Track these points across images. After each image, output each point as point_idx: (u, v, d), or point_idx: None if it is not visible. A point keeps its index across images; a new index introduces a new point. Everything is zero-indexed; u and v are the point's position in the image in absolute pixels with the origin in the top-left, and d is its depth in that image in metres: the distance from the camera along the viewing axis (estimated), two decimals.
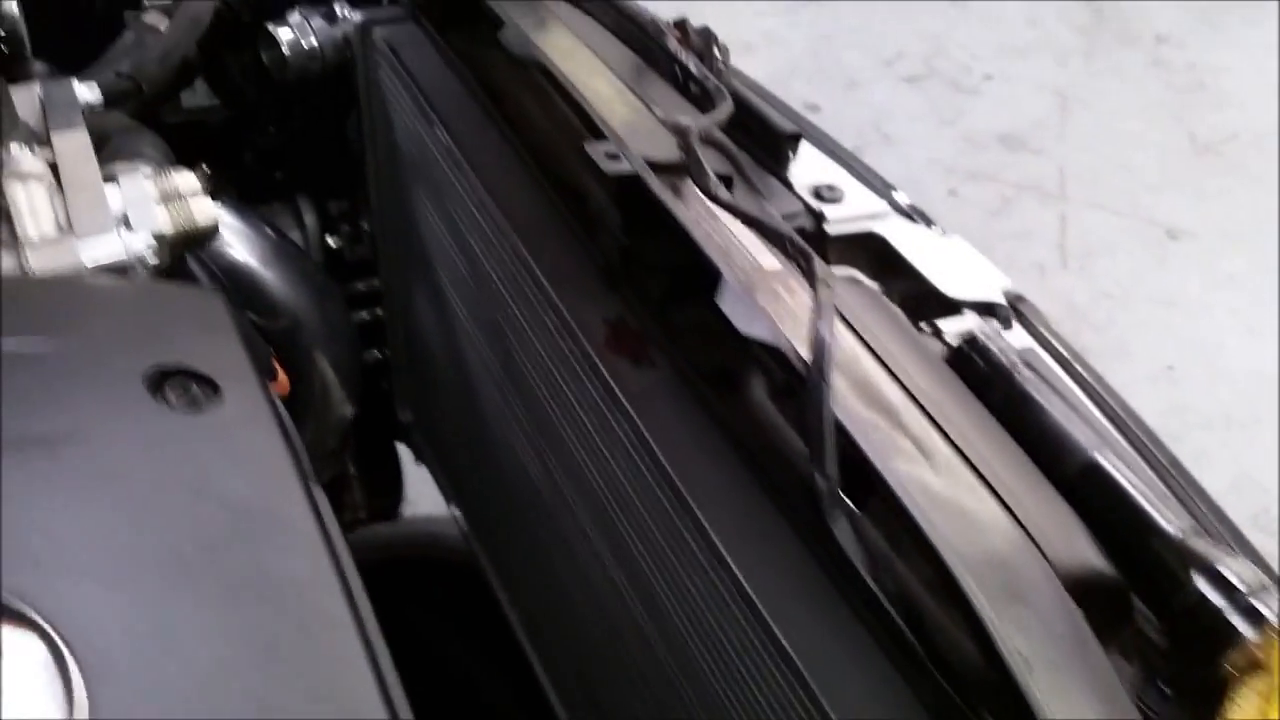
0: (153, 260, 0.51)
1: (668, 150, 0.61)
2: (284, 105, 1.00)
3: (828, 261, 0.70)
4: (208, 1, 0.87)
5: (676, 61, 0.73)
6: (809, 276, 0.52)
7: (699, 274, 0.59)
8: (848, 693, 0.48)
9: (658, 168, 0.60)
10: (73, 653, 0.32)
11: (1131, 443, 0.61)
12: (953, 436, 0.50)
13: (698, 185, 0.59)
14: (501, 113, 0.80)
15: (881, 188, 0.77)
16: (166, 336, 0.43)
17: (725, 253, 0.55)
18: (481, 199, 0.77)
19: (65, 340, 0.41)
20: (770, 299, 0.52)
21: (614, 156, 0.62)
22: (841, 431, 0.47)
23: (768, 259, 0.56)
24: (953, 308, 0.68)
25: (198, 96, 1.05)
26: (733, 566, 0.54)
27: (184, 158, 0.75)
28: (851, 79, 3.22)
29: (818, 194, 0.73)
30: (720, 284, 0.54)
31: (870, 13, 3.53)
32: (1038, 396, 0.58)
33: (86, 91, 0.68)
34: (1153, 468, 0.59)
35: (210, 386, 0.42)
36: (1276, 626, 0.45)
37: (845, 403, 0.49)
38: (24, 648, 0.32)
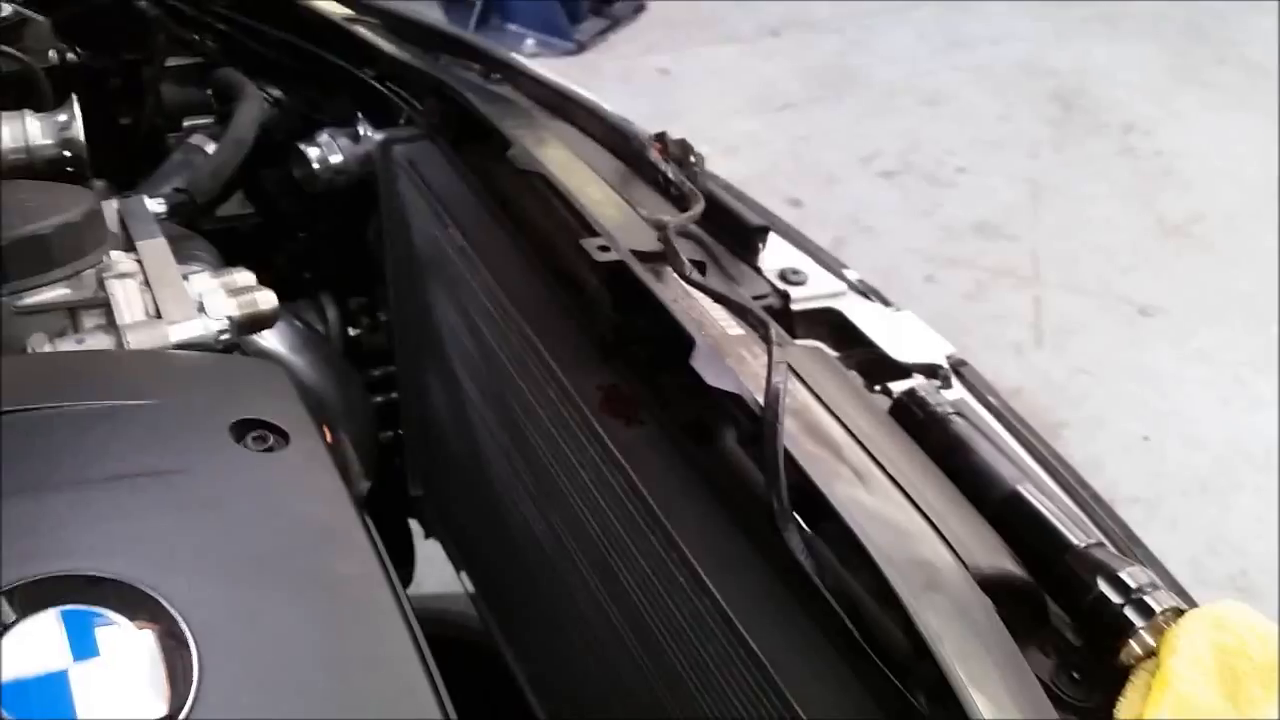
0: (224, 339, 0.62)
1: (649, 243, 0.73)
2: (311, 213, 1.13)
3: (794, 334, 0.82)
4: (250, 128, 1.00)
5: (657, 169, 0.86)
6: (766, 340, 0.63)
7: (678, 343, 0.71)
8: (807, 685, 0.58)
9: (641, 256, 0.72)
10: (190, 630, 0.42)
11: (1057, 479, 0.72)
12: (887, 468, 0.61)
13: (675, 270, 0.70)
14: (508, 217, 0.92)
15: (840, 271, 0.89)
16: (246, 395, 0.53)
17: (697, 323, 0.67)
18: (491, 289, 0.89)
19: (166, 398, 0.52)
20: (734, 359, 0.64)
21: (604, 248, 0.73)
22: (791, 461, 0.58)
23: (733, 328, 0.67)
24: (901, 370, 0.80)
25: (230, 205, 1.18)
26: (712, 589, 0.64)
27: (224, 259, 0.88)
28: (831, 175, 3.39)
29: (783, 277, 0.86)
30: (694, 349, 0.65)
31: (847, 115, 3.73)
32: (968, 440, 0.69)
33: (154, 205, 0.80)
34: (1076, 500, 0.70)
35: (281, 435, 0.52)
36: (1162, 618, 0.55)
37: (796, 439, 0.59)
38: (153, 628, 0.42)
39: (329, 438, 0.80)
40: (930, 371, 0.80)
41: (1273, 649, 0.53)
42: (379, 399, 1.22)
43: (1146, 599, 0.56)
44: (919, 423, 0.70)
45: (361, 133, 1.04)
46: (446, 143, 0.98)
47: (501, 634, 1.10)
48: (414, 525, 1.32)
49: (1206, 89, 3.90)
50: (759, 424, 0.59)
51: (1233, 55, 4.19)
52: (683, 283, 0.70)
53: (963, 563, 0.56)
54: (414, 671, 0.44)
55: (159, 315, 0.61)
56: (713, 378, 0.63)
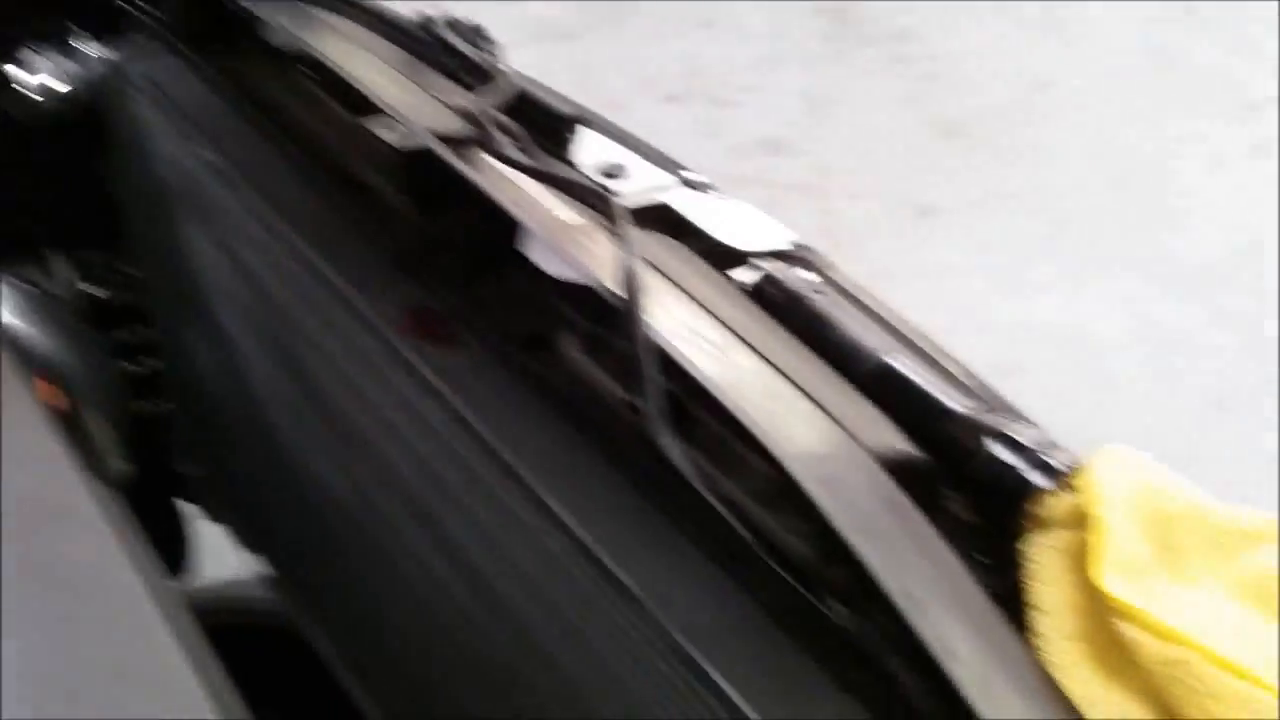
0: None
1: (455, 126, 0.61)
2: (21, 150, 0.94)
3: None
4: None
5: (452, 51, 0.74)
6: (611, 219, 0.53)
7: (501, 243, 0.60)
8: (694, 614, 0.49)
9: (447, 141, 0.60)
10: None
11: (924, 356, 0.66)
12: (760, 350, 0.53)
13: (491, 154, 0.59)
14: (275, 125, 0.78)
15: (669, 164, 0.80)
16: None
17: (529, 210, 0.56)
18: (258, 212, 0.75)
19: None
20: (577, 244, 0.53)
21: (401, 133, 0.61)
22: (659, 354, 0.49)
23: (567, 214, 0.57)
24: (745, 259, 0.72)
25: None
26: (564, 520, 0.55)
27: None
28: (615, 102, 3.30)
29: (606, 173, 0.76)
30: (528, 238, 0.54)
31: (626, 41, 3.65)
32: (831, 316, 0.61)
33: None
34: (940, 372, 0.64)
35: None
36: (1067, 476, 0.49)
37: (659, 328, 0.50)
38: None
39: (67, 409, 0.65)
40: (779, 257, 0.73)
41: (1191, 492, 0.48)
42: (136, 367, 1.05)
43: (1046, 458, 0.50)
44: (779, 305, 0.63)
45: (86, 50, 0.86)
46: (188, 46, 0.82)
47: (308, 617, 0.96)
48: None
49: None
50: (613, 317, 0.50)
51: None
52: (500, 167, 0.59)
53: (861, 446, 0.48)
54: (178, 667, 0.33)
55: None
56: (554, 266, 0.52)
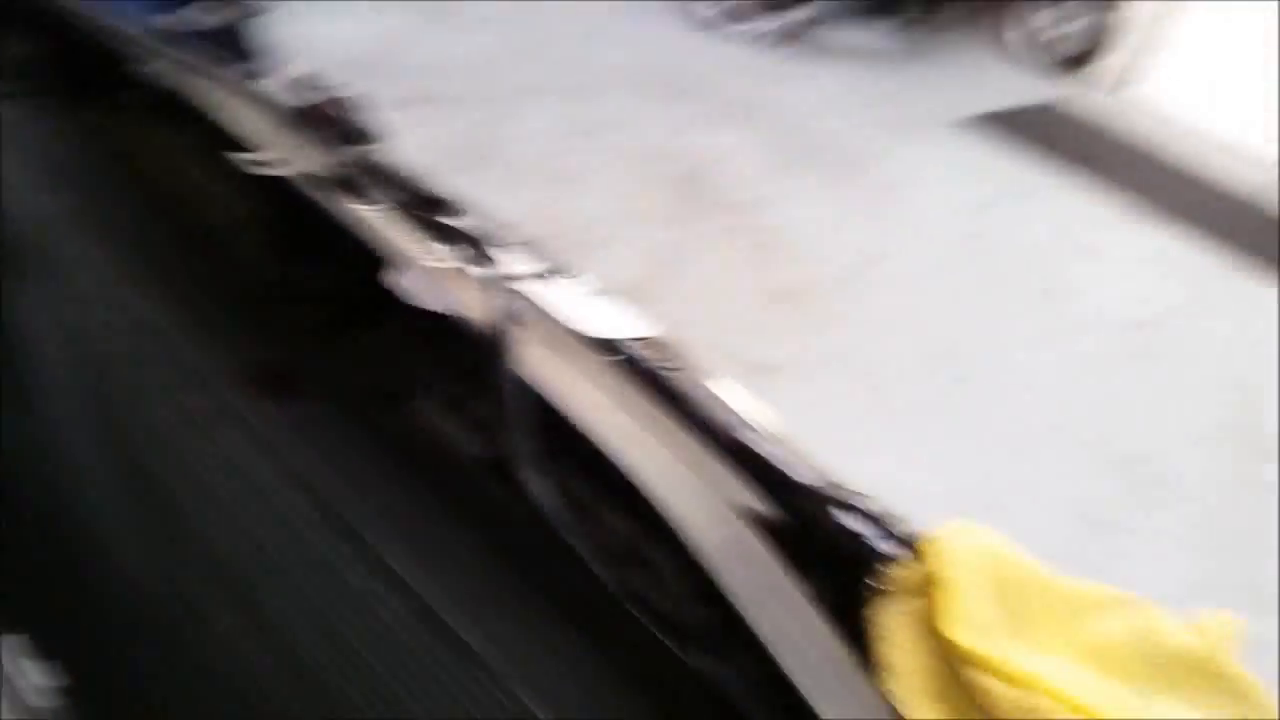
0: None
1: (324, 168, 0.60)
2: None
3: None
4: None
5: (326, 115, 0.73)
6: (482, 258, 0.53)
7: (365, 287, 0.58)
8: (543, 675, 0.47)
9: (317, 180, 0.58)
10: None
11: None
12: (624, 408, 0.52)
13: (361, 197, 0.58)
14: (135, 175, 0.75)
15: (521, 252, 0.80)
16: None
17: (399, 244, 0.55)
18: (99, 264, 0.71)
19: None
20: (449, 280, 0.52)
21: (263, 164, 0.59)
22: (527, 387, 0.47)
23: (432, 261, 0.56)
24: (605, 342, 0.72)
25: None
26: (408, 582, 0.52)
27: None
28: None
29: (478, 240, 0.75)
30: (397, 273, 0.53)
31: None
32: (687, 392, 0.62)
33: None
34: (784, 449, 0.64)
35: None
36: (916, 545, 0.50)
37: (529, 365, 0.49)
38: None
39: None
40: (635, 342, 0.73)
41: (1034, 563, 0.49)
42: None
43: (892, 528, 0.51)
44: (640, 376, 0.63)
45: None
46: (59, 97, 0.78)
47: None
48: None
49: (806, 175, 4.34)
50: (481, 352, 0.49)
51: (828, 145, 4.71)
52: (365, 209, 0.58)
53: (723, 499, 0.48)
54: None
55: None
56: (424, 298, 0.51)
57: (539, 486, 0.46)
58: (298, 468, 0.57)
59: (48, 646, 0.95)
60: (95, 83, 0.80)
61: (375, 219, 0.59)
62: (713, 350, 3.04)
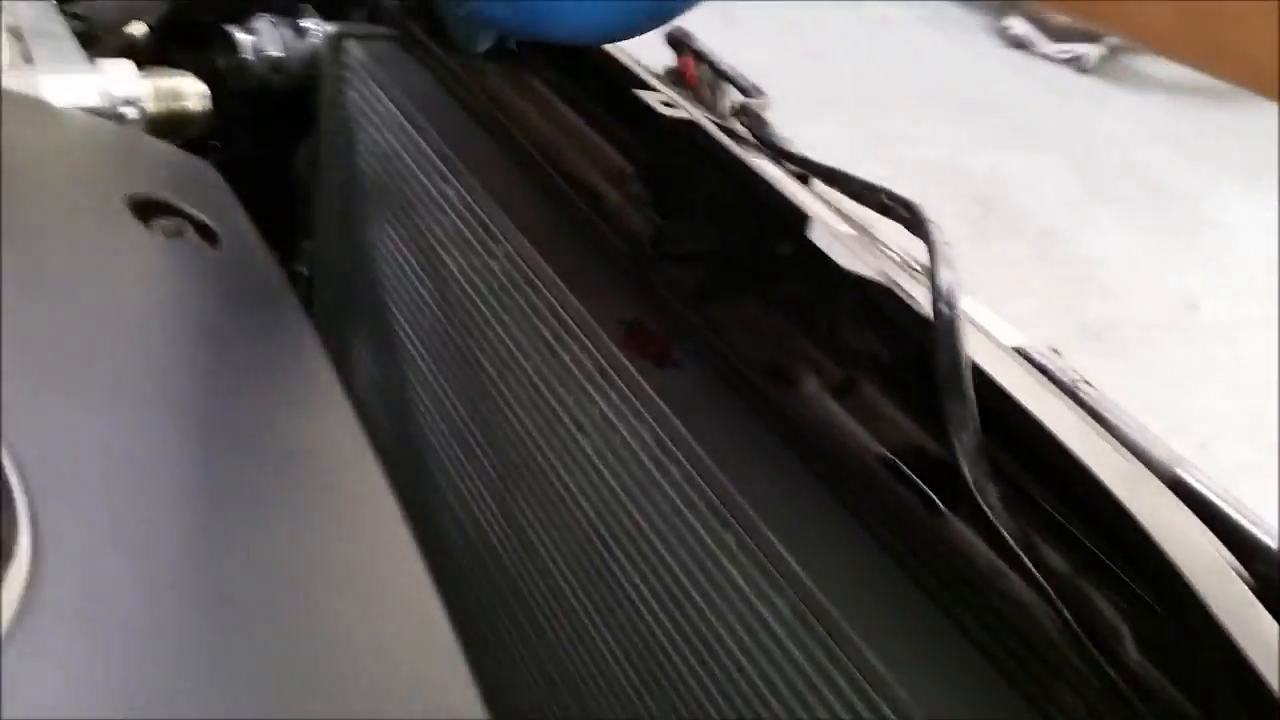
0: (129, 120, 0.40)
1: (720, 116, 0.54)
2: (230, 122, 0.90)
3: None
4: None
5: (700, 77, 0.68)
6: (915, 226, 0.45)
7: (740, 260, 0.52)
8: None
9: (716, 130, 0.52)
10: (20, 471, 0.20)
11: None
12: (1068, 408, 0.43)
13: (764, 145, 0.52)
14: (502, 122, 0.72)
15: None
16: (158, 174, 0.32)
17: (811, 204, 0.48)
18: (470, 205, 0.69)
19: (35, 152, 0.30)
20: (873, 245, 0.45)
21: (669, 104, 0.54)
22: (976, 377, 0.39)
23: (859, 210, 0.49)
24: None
25: None
26: (805, 581, 0.44)
27: None
28: None
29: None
30: (810, 225, 0.46)
31: None
32: (1107, 414, 0.52)
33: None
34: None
35: (207, 235, 0.31)
36: None
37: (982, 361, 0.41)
38: None
39: None
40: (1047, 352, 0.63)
41: None
42: None
43: None
44: (1061, 386, 0.53)
45: (307, 25, 0.84)
46: (423, 33, 0.78)
47: None
48: None
49: (1117, 205, 4.01)
50: (915, 323, 0.41)
51: (1142, 176, 4.35)
52: (776, 159, 0.51)
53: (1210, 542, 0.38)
54: (432, 608, 0.24)
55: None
56: (845, 258, 0.44)
57: (988, 493, 0.38)
58: (673, 439, 0.51)
59: None
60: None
61: (782, 177, 0.53)
62: None
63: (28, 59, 0.38)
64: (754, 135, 0.52)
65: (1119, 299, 3.40)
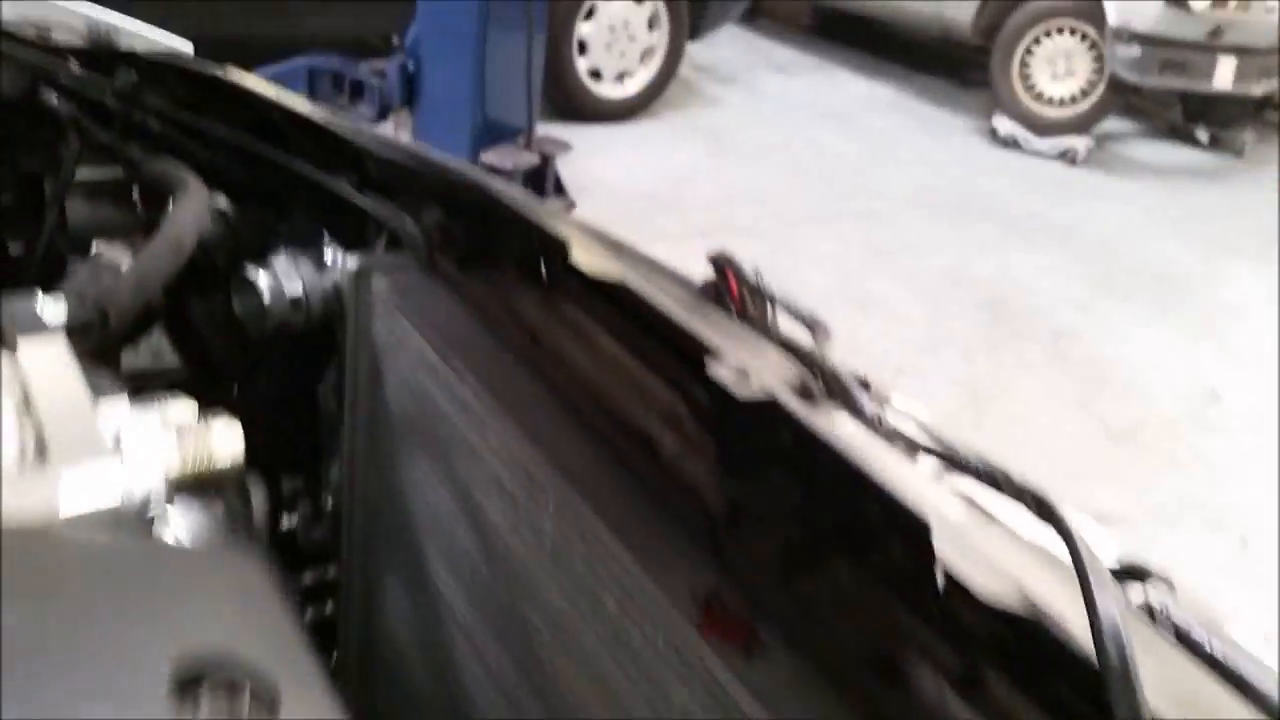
0: (153, 508, 0.36)
1: (787, 375, 0.50)
2: (252, 361, 0.87)
3: None
4: (190, 230, 0.75)
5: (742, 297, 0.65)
6: (1051, 519, 0.40)
7: (827, 528, 0.47)
8: None
9: (781, 396, 0.48)
10: None
11: None
12: None
13: (849, 410, 0.47)
14: (539, 355, 0.69)
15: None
16: (204, 621, 0.28)
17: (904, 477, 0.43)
18: (513, 454, 0.65)
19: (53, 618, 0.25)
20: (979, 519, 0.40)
21: (744, 374, 0.49)
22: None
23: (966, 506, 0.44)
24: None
25: (140, 359, 0.91)
26: None
27: None
28: None
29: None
30: (929, 528, 0.41)
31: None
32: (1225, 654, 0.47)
33: (51, 309, 0.54)
34: None
35: (263, 702, 0.26)
36: None
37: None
38: None
39: None
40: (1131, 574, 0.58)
41: None
42: (310, 612, 0.93)
43: None
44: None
45: (328, 258, 0.81)
46: (451, 265, 0.75)
47: None
48: None
49: (1125, 298, 4.00)
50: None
51: (1145, 266, 4.35)
52: (860, 428, 0.47)
53: None
54: None
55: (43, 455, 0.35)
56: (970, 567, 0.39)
57: None
58: None
59: None
60: (495, 252, 0.76)
61: (858, 440, 0.48)
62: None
63: (41, 447, 0.34)
64: (846, 407, 0.48)
65: (1140, 396, 3.35)
